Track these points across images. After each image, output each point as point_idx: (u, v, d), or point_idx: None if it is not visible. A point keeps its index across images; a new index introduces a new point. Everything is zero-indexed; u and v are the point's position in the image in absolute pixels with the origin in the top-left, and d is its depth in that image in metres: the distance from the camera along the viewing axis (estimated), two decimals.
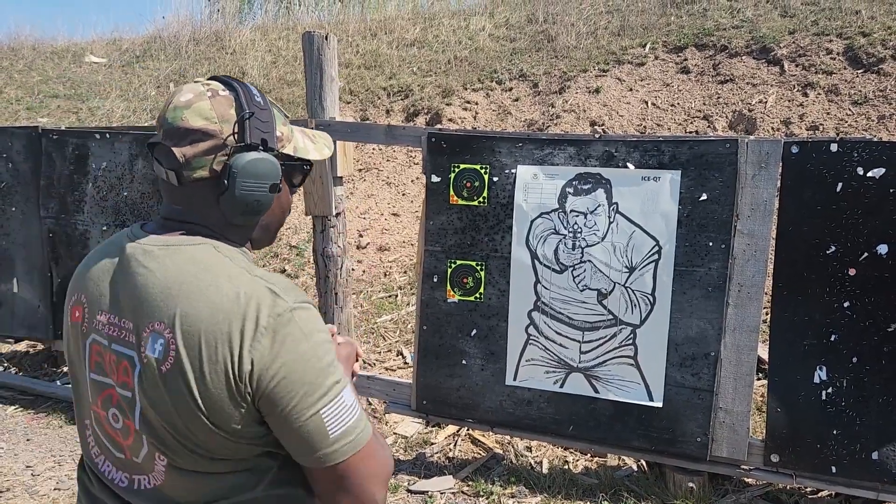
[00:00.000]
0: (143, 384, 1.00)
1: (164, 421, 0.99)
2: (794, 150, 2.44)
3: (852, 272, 2.43)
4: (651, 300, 2.61)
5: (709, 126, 6.85)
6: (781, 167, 2.47)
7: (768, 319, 2.57)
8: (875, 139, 2.40)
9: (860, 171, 2.37)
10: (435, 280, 2.88)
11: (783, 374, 2.51)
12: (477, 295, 2.82)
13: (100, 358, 1.06)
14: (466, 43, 10.46)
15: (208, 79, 1.07)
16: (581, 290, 2.69)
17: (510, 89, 8.56)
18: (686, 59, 7.65)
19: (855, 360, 2.44)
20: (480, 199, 2.78)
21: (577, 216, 2.66)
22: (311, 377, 0.97)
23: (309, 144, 1.15)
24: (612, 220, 2.63)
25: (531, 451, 3.09)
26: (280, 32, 13.24)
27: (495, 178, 2.76)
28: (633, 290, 2.63)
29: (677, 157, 2.55)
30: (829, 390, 2.45)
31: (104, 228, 3.61)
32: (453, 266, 2.84)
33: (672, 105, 7.25)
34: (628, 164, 2.60)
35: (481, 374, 2.85)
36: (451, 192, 2.82)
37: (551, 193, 2.69)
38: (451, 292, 2.86)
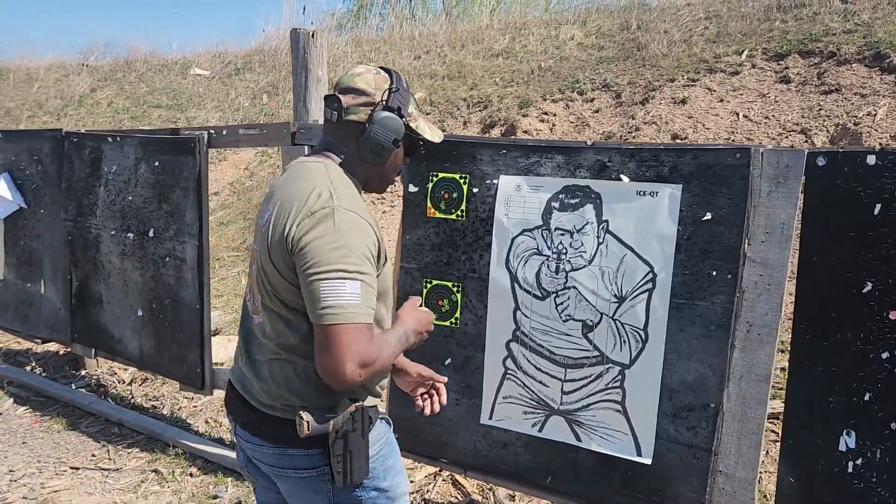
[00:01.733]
0: (257, 242, 1.57)
1: (260, 268, 1.51)
2: (821, 162, 2.03)
3: (894, 315, 1.97)
4: (643, 336, 2.25)
5: (806, 141, 6.19)
6: (805, 183, 2.05)
7: (786, 368, 2.14)
8: None
9: None
10: None
11: (800, 436, 2.08)
12: (453, 320, 2.56)
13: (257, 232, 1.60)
14: (553, 52, 10.14)
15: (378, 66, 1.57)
16: (564, 321, 2.36)
17: (591, 100, 8.17)
18: (787, 68, 7.00)
19: (894, 425, 1.98)
20: (458, 213, 2.52)
21: (562, 235, 2.35)
22: (323, 255, 1.35)
23: (426, 128, 1.64)
24: (600, 240, 2.29)
25: (514, 502, 2.77)
26: (373, 44, 13.44)
27: (475, 189, 2.49)
28: (622, 324, 2.28)
29: (679, 168, 2.19)
30: (858, 462, 2.00)
31: (112, 233, 3.63)
32: (429, 286, 2.60)
33: (766, 118, 6.63)
34: (622, 176, 2.26)
35: (455, 409, 2.58)
36: (429, 204, 2.58)
37: (535, 208, 2.39)
38: None
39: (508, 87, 9.37)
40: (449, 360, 2.59)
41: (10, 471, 3.12)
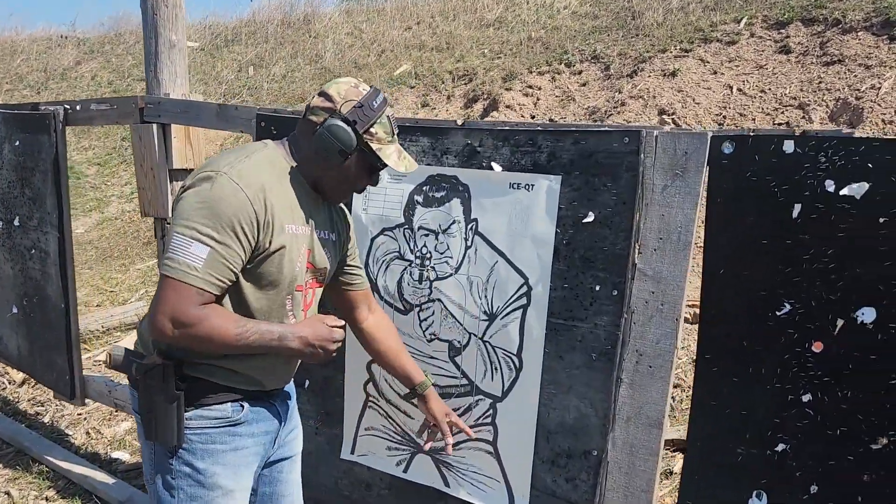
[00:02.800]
0: None
1: None
2: (728, 149, 1.59)
3: (818, 347, 1.55)
4: (516, 363, 1.83)
5: (803, 117, 5.66)
6: (708, 176, 1.62)
7: (688, 410, 1.72)
8: (854, 134, 1.49)
9: (830, 185, 1.48)
10: None
11: (700, 494, 1.66)
12: None
13: None
14: (545, 22, 9.58)
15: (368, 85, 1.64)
16: (429, 341, 1.95)
17: (579, 72, 7.65)
18: (788, 37, 6.44)
19: (815, 488, 1.56)
20: None
21: (426, 235, 1.93)
22: (185, 210, 1.42)
23: (392, 155, 1.61)
24: (468, 243, 1.87)
25: None
26: (367, 14, 12.93)
27: None
28: (493, 347, 1.86)
29: (558, 155, 1.76)
30: None
31: None
32: None
33: (762, 91, 6.09)
34: (493, 165, 1.84)
35: (315, 439, 2.19)
36: None
37: (396, 202, 1.97)
38: None
39: (496, 59, 8.87)
40: (307, 383, 2.19)
41: None
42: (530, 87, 7.79)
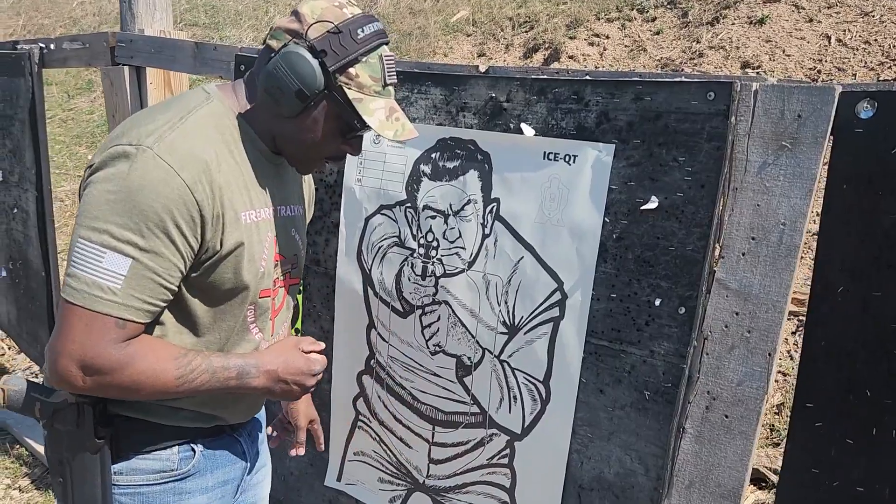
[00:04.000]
0: None
1: None
2: (866, 111, 1.08)
3: None
4: (542, 393, 1.39)
5: None
6: (831, 150, 1.12)
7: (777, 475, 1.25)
8: None
9: None
10: None
11: None
12: (293, 331, 1.75)
13: None
14: None
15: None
16: (433, 353, 1.52)
17: (653, 19, 6.94)
18: None
19: None
20: None
21: (432, 218, 1.48)
22: (93, 205, 1.01)
23: (378, 112, 1.14)
24: (486, 230, 1.42)
25: None
26: None
27: None
28: (512, 369, 1.42)
29: (611, 116, 1.27)
30: None
31: None
32: None
33: (867, 42, 5.32)
34: (523, 126, 1.36)
35: (297, 459, 1.81)
36: None
37: (398, 172, 1.53)
38: None
39: (562, 5, 8.20)
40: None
41: None
42: (597, 35, 7.14)
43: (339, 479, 1.75)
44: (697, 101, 1.19)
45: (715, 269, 1.20)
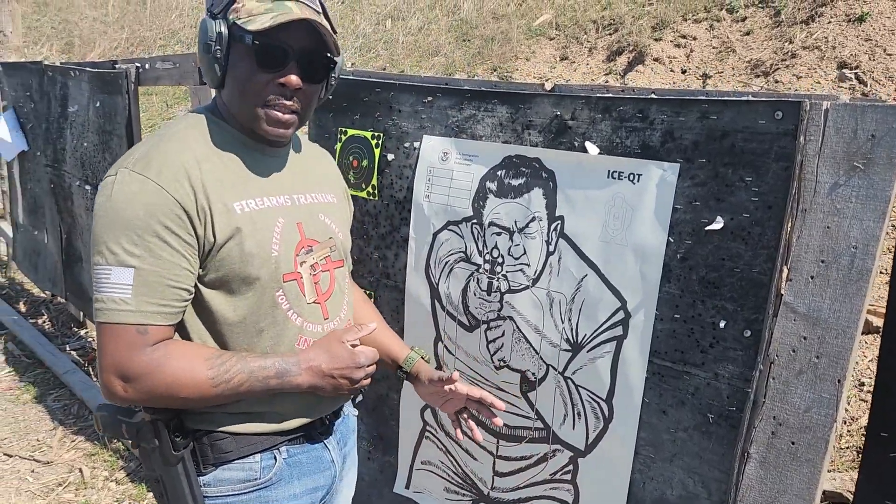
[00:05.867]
0: None
1: None
2: None
3: None
4: (605, 411, 1.40)
5: None
6: None
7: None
8: None
9: None
10: None
11: None
12: None
13: None
14: None
15: None
16: (497, 368, 1.55)
17: (743, 19, 6.74)
18: None
19: None
20: (370, 189, 1.75)
21: (497, 234, 1.52)
22: (95, 233, 1.10)
23: (261, 17, 1.12)
24: (551, 248, 1.44)
25: None
26: None
27: (389, 156, 1.70)
28: (576, 386, 1.43)
29: (677, 134, 1.27)
30: None
31: (77, 184, 3.20)
32: None
33: None
34: (588, 145, 1.38)
35: (368, 464, 1.87)
36: None
37: (465, 189, 1.57)
38: None
39: (647, 6, 8.04)
40: (361, 397, 1.86)
41: None
42: (683, 36, 6.98)
43: (407, 487, 1.80)
44: (765, 120, 1.17)
45: (782, 291, 1.18)
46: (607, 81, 7.20)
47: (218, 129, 1.22)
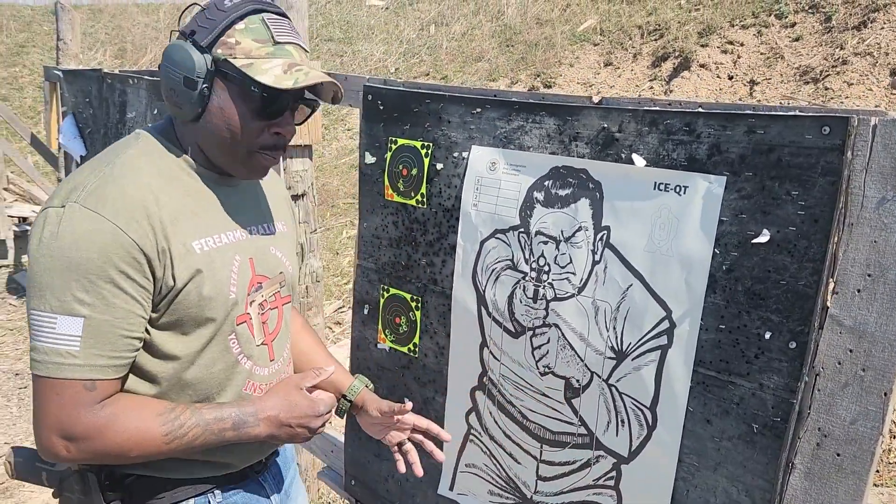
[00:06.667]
0: None
1: None
2: None
3: None
4: (649, 419, 1.42)
5: None
6: None
7: None
8: None
9: None
10: (366, 311, 1.99)
11: None
12: (410, 346, 1.88)
13: None
14: None
15: None
16: (542, 374, 1.59)
17: (792, 25, 6.65)
18: None
19: None
20: (418, 197, 1.80)
21: (544, 243, 1.55)
22: (32, 274, 1.00)
23: (272, 70, 1.08)
24: (596, 257, 1.47)
25: None
26: None
27: (438, 165, 1.75)
28: (620, 394, 1.46)
29: (724, 148, 1.30)
30: None
31: None
32: (387, 295, 1.92)
33: None
34: (634, 157, 1.41)
35: (412, 466, 1.92)
36: (386, 182, 1.88)
37: (512, 198, 1.61)
38: (382, 335, 1.95)
39: (694, 12, 7.99)
40: (407, 400, 1.92)
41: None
42: (730, 42, 6.92)
43: (451, 489, 1.84)
44: (812, 135, 1.19)
45: (828, 304, 1.20)
46: (652, 87, 7.16)
47: (172, 156, 1.15)
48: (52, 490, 1.17)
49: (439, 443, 1.52)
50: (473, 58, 10.02)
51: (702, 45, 7.04)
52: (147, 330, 1.08)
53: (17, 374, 4.28)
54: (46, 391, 1.01)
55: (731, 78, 6.62)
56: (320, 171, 8.42)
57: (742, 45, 6.79)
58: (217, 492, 1.22)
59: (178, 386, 1.14)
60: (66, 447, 1.02)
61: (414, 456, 1.48)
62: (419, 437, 1.47)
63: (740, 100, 6.21)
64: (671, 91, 6.84)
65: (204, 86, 1.08)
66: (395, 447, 1.48)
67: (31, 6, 15.19)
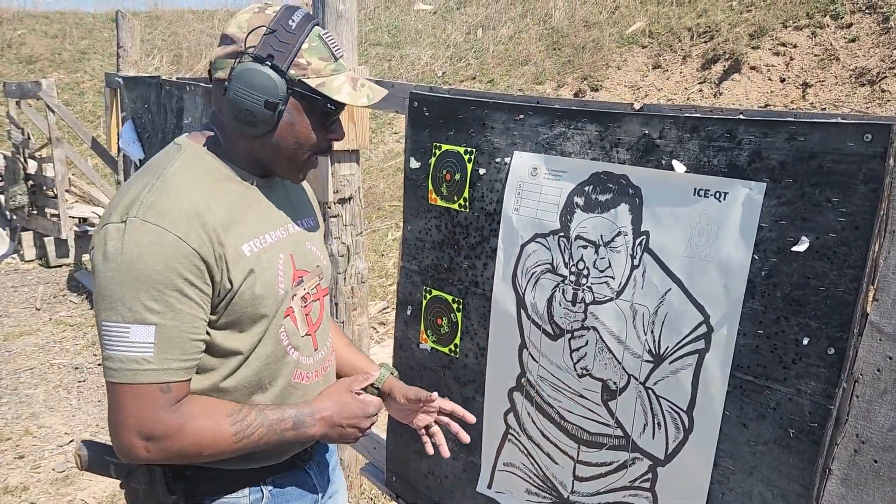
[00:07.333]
0: None
1: None
2: None
3: None
4: (685, 422, 1.44)
5: None
6: None
7: None
8: None
9: None
10: (409, 312, 2.04)
11: None
12: (452, 346, 1.92)
13: None
14: None
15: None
16: (580, 376, 1.62)
17: (848, 26, 6.50)
18: None
19: None
20: (461, 201, 1.84)
21: (584, 248, 1.58)
22: (103, 287, 1.06)
23: (344, 87, 1.18)
24: (635, 262, 1.49)
25: None
26: None
27: (481, 171, 1.79)
28: (657, 397, 1.48)
29: (764, 154, 1.31)
30: None
31: None
32: (429, 296, 1.97)
33: None
34: (675, 163, 1.43)
35: (452, 463, 1.97)
36: (430, 186, 1.92)
37: (553, 203, 1.64)
38: (424, 335, 1.99)
39: (745, 13, 7.86)
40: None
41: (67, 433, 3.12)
42: (783, 44, 6.79)
43: (489, 487, 1.88)
44: (853, 142, 1.19)
45: (868, 311, 1.20)
46: (701, 90, 7.07)
47: (215, 163, 1.21)
48: (120, 481, 1.25)
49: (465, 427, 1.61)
50: (520, 61, 10.03)
51: (753, 47, 6.93)
52: (207, 331, 1.15)
53: (76, 368, 4.46)
54: (125, 397, 1.07)
55: (783, 80, 6.50)
56: (367, 173, 8.54)
57: (795, 46, 6.66)
58: (269, 483, 1.30)
59: (234, 379, 1.21)
60: (146, 447, 1.09)
61: (440, 438, 1.56)
62: (445, 419, 1.55)
63: (792, 102, 6.09)
64: (721, 94, 6.75)
65: (282, 108, 1.16)
66: (423, 430, 1.56)
67: (92, 14, 15.75)
